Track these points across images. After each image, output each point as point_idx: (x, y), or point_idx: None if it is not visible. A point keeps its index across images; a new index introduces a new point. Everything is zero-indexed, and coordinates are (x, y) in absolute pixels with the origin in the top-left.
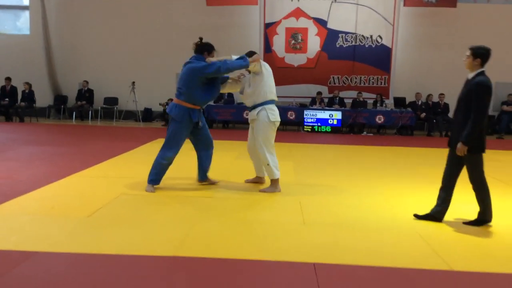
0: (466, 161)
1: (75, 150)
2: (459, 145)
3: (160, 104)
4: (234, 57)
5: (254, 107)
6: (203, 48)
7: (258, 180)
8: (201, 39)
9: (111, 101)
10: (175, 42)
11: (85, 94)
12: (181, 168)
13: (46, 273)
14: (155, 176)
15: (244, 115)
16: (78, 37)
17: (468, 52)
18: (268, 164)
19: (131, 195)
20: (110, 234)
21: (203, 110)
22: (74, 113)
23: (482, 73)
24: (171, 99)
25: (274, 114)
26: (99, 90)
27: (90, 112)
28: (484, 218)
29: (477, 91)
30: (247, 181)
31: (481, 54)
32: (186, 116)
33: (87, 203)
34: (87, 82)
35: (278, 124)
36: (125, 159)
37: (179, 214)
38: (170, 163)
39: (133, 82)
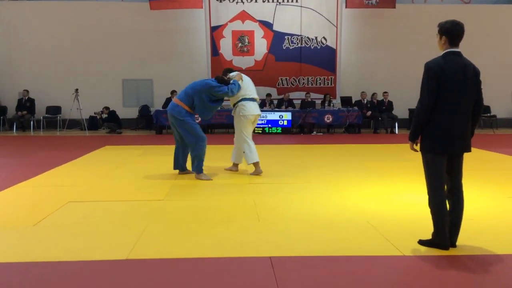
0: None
1: (17, 161)
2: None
3: (95, 114)
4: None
5: (234, 105)
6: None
7: (233, 168)
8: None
9: (54, 110)
10: (120, 47)
11: (26, 104)
12: (129, 176)
13: None
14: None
15: None
16: (15, 44)
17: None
18: (244, 152)
19: (79, 203)
20: (58, 242)
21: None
22: (15, 124)
23: (448, 54)
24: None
25: (244, 109)
26: (40, 99)
27: (32, 122)
28: (435, 240)
29: (422, 76)
30: (226, 169)
31: (446, 30)
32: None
33: (32, 213)
34: (27, 91)
35: (251, 117)
36: (71, 168)
37: (130, 218)
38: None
39: (77, 89)
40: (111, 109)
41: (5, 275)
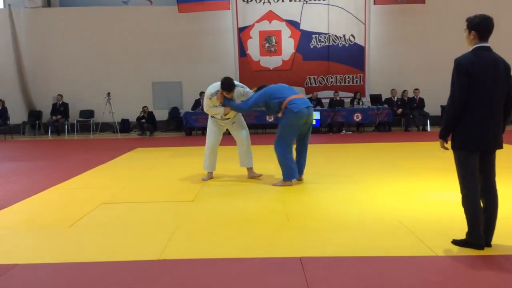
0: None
1: (52, 164)
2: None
3: (141, 112)
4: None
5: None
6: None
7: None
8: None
9: (87, 113)
10: (149, 51)
11: (60, 108)
12: (160, 177)
13: (25, 285)
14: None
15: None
16: (49, 50)
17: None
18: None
19: (112, 205)
20: (93, 243)
21: None
22: (50, 128)
23: (478, 49)
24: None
25: None
26: (74, 103)
27: (66, 126)
28: (469, 239)
29: (452, 72)
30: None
31: (475, 25)
32: None
33: (68, 214)
34: (61, 96)
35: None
36: (104, 170)
37: (161, 219)
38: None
39: (109, 93)
40: (149, 111)
41: (42, 276)
